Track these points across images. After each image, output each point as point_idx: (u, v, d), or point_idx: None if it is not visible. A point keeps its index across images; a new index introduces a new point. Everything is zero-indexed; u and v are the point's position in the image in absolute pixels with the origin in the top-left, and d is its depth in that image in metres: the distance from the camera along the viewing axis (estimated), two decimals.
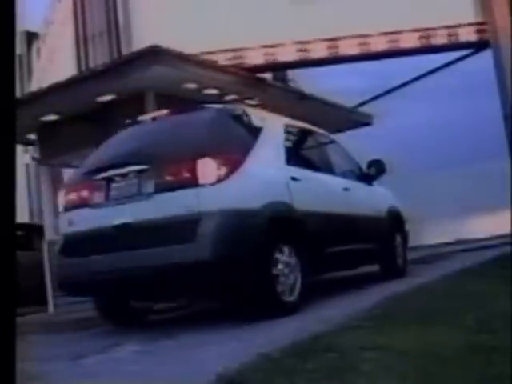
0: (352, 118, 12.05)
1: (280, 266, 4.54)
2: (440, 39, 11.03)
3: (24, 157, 12.21)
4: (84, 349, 4.14)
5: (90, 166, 5.04)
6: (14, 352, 2.20)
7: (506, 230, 10.04)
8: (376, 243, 6.57)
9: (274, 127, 5.37)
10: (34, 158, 10.40)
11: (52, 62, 12.98)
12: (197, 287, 4.73)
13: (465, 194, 13.22)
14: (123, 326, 5.31)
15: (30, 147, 10.79)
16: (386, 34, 10.87)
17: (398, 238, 7.10)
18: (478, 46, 11.48)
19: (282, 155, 5.17)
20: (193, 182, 4.22)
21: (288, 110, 8.72)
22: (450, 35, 11.02)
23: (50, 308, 8.89)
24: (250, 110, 5.35)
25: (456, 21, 10.97)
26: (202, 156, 4.26)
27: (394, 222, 7.08)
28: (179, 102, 8.29)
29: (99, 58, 11.84)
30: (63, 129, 9.00)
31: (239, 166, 4.42)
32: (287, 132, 5.57)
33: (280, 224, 4.60)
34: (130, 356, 3.76)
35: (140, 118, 5.56)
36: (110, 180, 4.72)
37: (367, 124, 12.68)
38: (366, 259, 6.77)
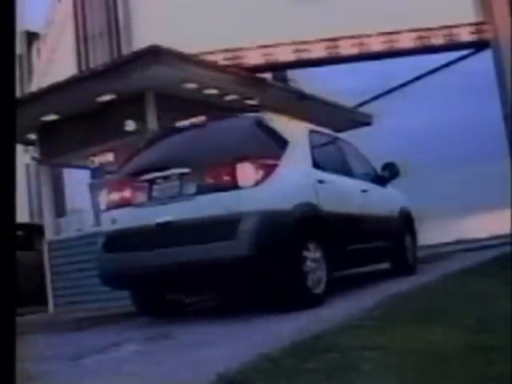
0: (352, 118, 12.02)
1: (309, 261, 4.93)
2: (439, 39, 11.01)
3: (24, 157, 12.21)
4: (84, 349, 4.14)
5: (133, 169, 5.44)
6: (13, 352, 2.20)
7: (506, 230, 10.04)
8: (389, 241, 6.95)
9: (300, 133, 5.76)
10: (34, 158, 10.37)
11: (52, 62, 12.98)
12: (234, 281, 5.10)
13: (465, 194, 13.20)
14: (158, 318, 5.63)
15: (30, 147, 10.77)
16: (384, 34, 10.86)
17: (409, 237, 7.53)
18: (478, 46, 11.47)
19: (309, 159, 5.56)
20: (233, 185, 4.60)
21: (288, 109, 8.72)
22: (449, 35, 11.01)
23: (50, 308, 8.90)
24: (277, 118, 5.70)
25: (456, 21, 10.95)
26: (241, 161, 4.65)
27: (406, 221, 7.51)
28: (179, 102, 8.29)
29: (99, 57, 11.84)
30: (63, 129, 8.97)
31: (273, 170, 4.81)
32: (311, 137, 5.90)
33: (308, 223, 5.00)
34: (129, 356, 3.77)
35: (177, 124, 5.87)
36: (152, 182, 5.11)
37: (367, 124, 12.66)
38: (381, 256, 7.17)
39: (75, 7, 12.44)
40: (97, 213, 8.77)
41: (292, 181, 5.05)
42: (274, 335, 3.72)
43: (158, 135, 6.34)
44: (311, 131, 6.04)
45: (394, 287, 5.71)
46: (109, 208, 5.36)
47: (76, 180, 11.38)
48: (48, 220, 9.41)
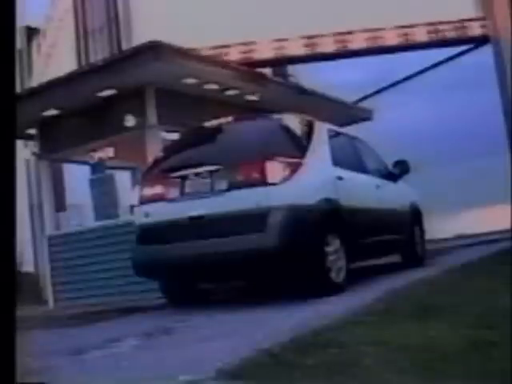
0: (352, 113, 12.00)
1: (330, 253, 5.26)
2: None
3: (24, 152, 12.21)
4: (84, 344, 4.15)
5: (165, 166, 5.76)
6: (14, 347, 2.20)
7: (506, 226, 10.03)
8: (401, 235, 7.29)
9: (320, 132, 6.03)
10: (34, 153, 10.38)
11: (52, 57, 12.95)
12: (263, 270, 5.41)
13: (465, 190, 13.19)
14: (186, 306, 5.82)
15: (30, 142, 10.77)
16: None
17: (418, 231, 7.89)
18: (481, 41, 11.40)
19: (329, 157, 5.88)
20: (262, 181, 4.93)
21: (288, 104, 8.71)
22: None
23: (50, 303, 8.91)
24: (299, 118, 5.98)
25: (458, 16, 10.91)
26: (270, 159, 4.99)
27: (415, 215, 7.88)
28: (179, 97, 8.28)
29: (99, 52, 11.82)
30: (63, 124, 8.96)
31: (298, 167, 5.17)
32: (330, 136, 6.20)
33: (330, 217, 5.35)
34: (130, 351, 3.77)
35: (206, 123, 6.16)
36: (184, 178, 5.40)
37: (367, 119, 12.64)
38: (392, 249, 7.52)
39: (75, 2, 12.42)
40: (96, 208, 8.78)
41: (315, 178, 5.41)
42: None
43: (187, 134, 6.63)
44: (330, 130, 6.32)
45: (393, 282, 5.71)
46: (142, 202, 5.60)
47: (76, 175, 11.37)
48: (48, 215, 9.41)
